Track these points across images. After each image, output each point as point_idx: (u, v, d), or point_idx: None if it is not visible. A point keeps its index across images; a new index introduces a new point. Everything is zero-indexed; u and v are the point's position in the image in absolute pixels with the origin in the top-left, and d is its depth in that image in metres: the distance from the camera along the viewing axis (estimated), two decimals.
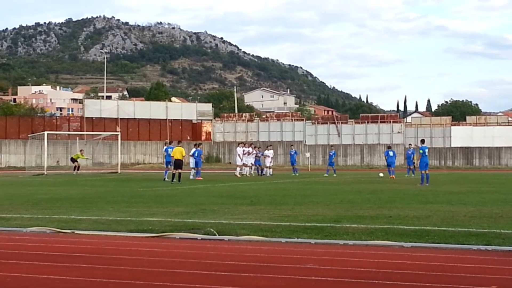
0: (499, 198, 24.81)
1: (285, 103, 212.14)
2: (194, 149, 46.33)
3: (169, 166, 43.66)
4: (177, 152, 39.95)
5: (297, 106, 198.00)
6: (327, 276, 9.44)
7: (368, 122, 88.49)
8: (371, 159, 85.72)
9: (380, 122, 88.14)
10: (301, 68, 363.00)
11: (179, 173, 39.30)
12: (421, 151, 37.30)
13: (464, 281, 9.03)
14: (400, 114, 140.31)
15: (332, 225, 15.50)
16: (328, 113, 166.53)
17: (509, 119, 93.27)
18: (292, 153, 56.78)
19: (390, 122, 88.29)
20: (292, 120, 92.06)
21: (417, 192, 29.07)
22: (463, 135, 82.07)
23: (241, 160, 52.09)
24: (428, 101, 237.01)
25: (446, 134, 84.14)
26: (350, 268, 10.18)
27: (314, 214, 18.40)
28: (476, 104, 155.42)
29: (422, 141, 40.15)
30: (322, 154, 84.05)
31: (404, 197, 25.47)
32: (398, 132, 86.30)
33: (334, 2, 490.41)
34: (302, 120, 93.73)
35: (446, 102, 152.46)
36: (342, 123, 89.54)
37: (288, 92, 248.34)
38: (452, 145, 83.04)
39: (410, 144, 52.04)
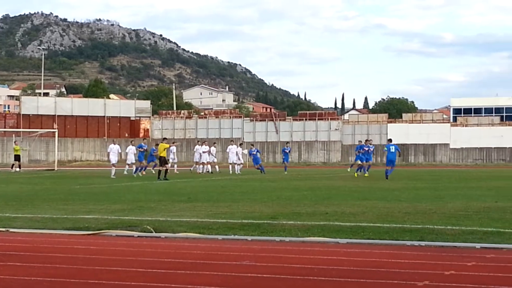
0: (433, 194, 25.18)
1: (223, 100, 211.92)
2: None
3: (143, 162, 45.60)
4: (161, 148, 40.41)
5: (236, 103, 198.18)
6: (264, 272, 9.50)
7: (306, 119, 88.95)
8: (308, 156, 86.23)
9: (318, 119, 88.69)
10: (240, 65, 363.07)
11: (166, 170, 39.82)
12: (385, 149, 40.16)
13: (398, 277, 9.17)
14: (337, 112, 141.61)
15: (269, 222, 15.58)
16: (266, 110, 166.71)
17: (444, 116, 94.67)
18: (254, 152, 53.71)
19: (328, 119, 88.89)
20: (230, 117, 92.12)
21: (354, 188, 29.35)
22: (399, 132, 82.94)
23: (200, 158, 51.98)
24: (366, 98, 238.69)
25: (383, 131, 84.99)
26: (286, 264, 10.25)
27: (251, 211, 18.46)
28: (412, 102, 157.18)
29: (389, 140, 42.14)
30: (265, 151, 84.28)
31: (340, 194, 25.70)
32: (336, 129, 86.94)
33: (274, 0, 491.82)
34: (241, 117, 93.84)
35: (383, 99, 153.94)
36: (280, 120, 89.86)
37: (227, 89, 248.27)
38: (139, 143, 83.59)
39: (360, 141, 51.99)
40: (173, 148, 51.72)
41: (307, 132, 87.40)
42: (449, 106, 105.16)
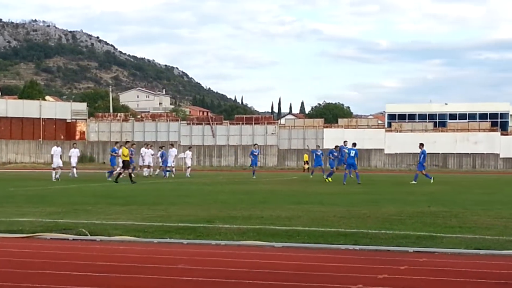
0: (367, 198, 25.46)
1: (160, 104, 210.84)
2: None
3: (114, 166, 44.97)
4: (125, 152, 40.55)
5: (173, 106, 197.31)
6: (199, 276, 9.52)
7: (242, 123, 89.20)
8: (245, 160, 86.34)
9: (255, 123, 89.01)
10: (177, 68, 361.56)
11: (130, 173, 39.71)
12: (346, 152, 41.56)
13: (332, 280, 9.26)
14: (274, 116, 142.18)
15: (205, 225, 15.59)
16: (203, 114, 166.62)
17: (379, 122, 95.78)
18: (256, 153, 53.72)
19: (264, 123, 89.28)
20: (167, 120, 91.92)
21: (289, 193, 29.51)
22: (335, 137, 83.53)
23: (143, 161, 51.57)
24: (302, 103, 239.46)
25: (319, 136, 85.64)
26: (221, 268, 10.28)
27: (187, 214, 18.44)
28: (348, 107, 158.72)
29: (353, 144, 42.23)
30: (197, 155, 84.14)
31: (276, 198, 25.81)
32: (272, 133, 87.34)
33: (212, 4, 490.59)
34: (177, 120, 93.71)
35: (319, 104, 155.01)
36: (217, 124, 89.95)
37: (164, 92, 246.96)
38: (324, 147, 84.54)
39: (318, 146, 51.86)
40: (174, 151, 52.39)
41: (244, 136, 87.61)
42: (384, 111, 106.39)
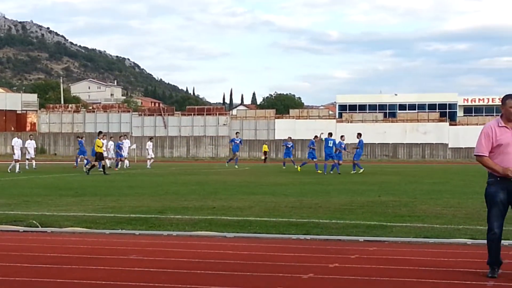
0: (319, 189, 25.60)
1: (112, 95, 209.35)
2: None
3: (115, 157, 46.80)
4: (99, 144, 40.58)
5: (124, 97, 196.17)
6: (150, 267, 9.53)
7: (194, 114, 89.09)
8: (197, 151, 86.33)
9: (206, 114, 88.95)
10: (129, 59, 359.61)
11: (92, 165, 40.18)
12: (323, 140, 41.85)
13: (284, 270, 9.32)
14: (226, 107, 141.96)
15: (157, 216, 15.59)
16: (155, 105, 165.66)
17: (330, 112, 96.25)
18: (238, 141, 52.37)
19: (216, 114, 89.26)
20: (118, 111, 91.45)
21: (241, 183, 29.56)
22: (286, 128, 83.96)
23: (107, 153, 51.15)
24: (254, 94, 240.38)
25: (270, 127, 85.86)
26: (173, 258, 10.31)
27: (139, 205, 18.40)
28: (299, 98, 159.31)
29: (329, 134, 42.29)
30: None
31: (228, 188, 25.83)
32: (224, 124, 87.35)
33: None
34: (129, 111, 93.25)
35: (271, 95, 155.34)
36: (168, 115, 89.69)
37: (115, 83, 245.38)
38: (276, 138, 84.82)
39: (330, 133, 49.71)
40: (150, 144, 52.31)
41: (196, 127, 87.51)
42: (335, 102, 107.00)
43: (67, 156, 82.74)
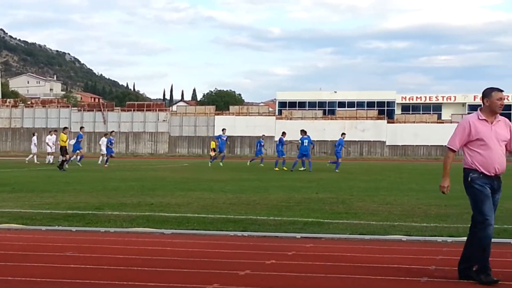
0: (257, 185, 25.70)
1: (51, 90, 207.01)
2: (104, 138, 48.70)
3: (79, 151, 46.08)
4: (63, 138, 40.50)
5: (64, 92, 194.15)
6: (86, 263, 9.48)
7: (134, 110, 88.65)
8: (136, 147, 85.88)
9: (146, 110, 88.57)
10: (69, 54, 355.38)
11: (63, 160, 39.33)
12: (299, 141, 41.21)
13: (221, 266, 9.35)
14: (166, 103, 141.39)
15: (94, 212, 15.51)
16: (95, 100, 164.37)
17: (270, 109, 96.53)
18: (224, 138, 51.25)
19: (156, 110, 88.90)
20: (58, 106, 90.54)
21: (180, 179, 29.52)
22: (226, 124, 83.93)
23: (51, 148, 50.36)
24: (194, 90, 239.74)
25: (210, 123, 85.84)
26: (110, 255, 10.27)
27: (76, 201, 18.27)
28: (240, 94, 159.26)
29: (304, 132, 41.91)
30: (87, 142, 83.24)
31: (166, 185, 25.78)
32: (164, 120, 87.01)
33: None
34: (68, 107, 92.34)
35: (211, 91, 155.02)
36: (108, 110, 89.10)
37: (55, 78, 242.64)
38: (216, 134, 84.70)
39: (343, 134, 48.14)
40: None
41: (135, 123, 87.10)
42: (275, 99, 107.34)
43: (4, 152, 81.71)
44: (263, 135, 51.89)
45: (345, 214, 15.45)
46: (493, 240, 11.68)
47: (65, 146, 40.06)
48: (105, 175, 32.95)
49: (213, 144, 76.41)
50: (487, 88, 8.78)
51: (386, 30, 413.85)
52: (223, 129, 53.05)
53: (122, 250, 10.78)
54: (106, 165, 44.78)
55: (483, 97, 8.79)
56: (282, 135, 45.37)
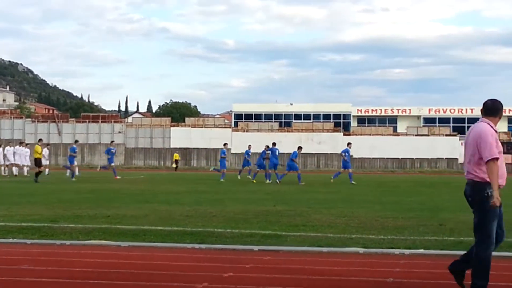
0: (214, 198, 25.62)
1: (4, 100, 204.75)
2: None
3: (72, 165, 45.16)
4: (38, 150, 40.67)
5: (17, 103, 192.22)
6: (42, 276, 9.36)
7: (89, 122, 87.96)
8: (91, 159, 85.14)
9: (102, 121, 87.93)
10: (22, 65, 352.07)
11: (39, 171, 39.33)
12: (268, 152, 42.54)
13: (178, 279, 9.30)
14: (121, 114, 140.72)
15: (49, 225, 15.33)
16: (49, 111, 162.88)
17: (226, 121, 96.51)
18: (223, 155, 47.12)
19: (111, 122, 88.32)
20: (11, 117, 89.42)
21: (137, 192, 29.35)
22: (182, 136, 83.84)
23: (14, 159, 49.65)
24: (149, 102, 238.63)
25: (166, 135, 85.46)
26: (66, 268, 10.15)
27: (30, 214, 18.05)
28: (195, 106, 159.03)
29: (273, 144, 42.78)
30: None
31: (123, 197, 25.62)
32: (119, 132, 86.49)
33: (58, 0, 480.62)
34: (22, 118, 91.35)
35: (167, 103, 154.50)
36: (63, 122, 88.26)
37: (8, 89, 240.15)
38: (172, 146, 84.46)
39: (349, 143, 46.58)
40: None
41: (90, 135, 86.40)
42: (231, 111, 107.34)
43: None
44: (249, 145, 50.31)
45: (302, 227, 15.45)
46: (448, 252, 11.84)
47: (40, 158, 39.99)
48: (60, 187, 32.64)
49: (176, 156, 76.44)
50: (499, 103, 8.51)
51: (341, 42, 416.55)
52: (249, 145, 51.81)
53: (78, 263, 10.65)
54: (117, 177, 44.02)
55: (497, 111, 8.50)
56: (265, 148, 45.32)
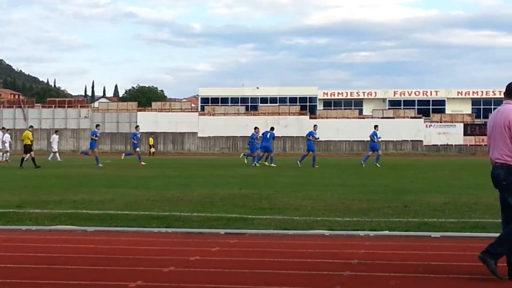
0: (181, 182, 25.62)
1: None
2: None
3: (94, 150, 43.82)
4: (27, 135, 40.47)
5: None
6: (8, 262, 9.34)
7: (55, 107, 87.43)
8: (58, 144, 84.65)
9: (68, 106, 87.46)
10: None
11: (33, 157, 39.26)
12: (261, 135, 43.11)
13: (144, 263, 9.31)
14: (87, 99, 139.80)
15: (15, 210, 15.27)
16: (14, 97, 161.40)
17: (193, 105, 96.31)
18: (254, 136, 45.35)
19: (77, 107, 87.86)
20: None
21: (103, 177, 29.26)
22: (148, 120, 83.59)
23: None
24: (116, 86, 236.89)
25: (132, 119, 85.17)
26: (32, 253, 10.14)
27: None
28: (162, 91, 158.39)
29: (272, 128, 43.63)
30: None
31: (90, 182, 25.54)
32: (85, 117, 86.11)
33: None
34: None
35: (133, 88, 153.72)
36: (28, 107, 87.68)
37: None
38: (93, 130, 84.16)
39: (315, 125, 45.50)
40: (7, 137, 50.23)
41: (57, 120, 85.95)
42: (197, 95, 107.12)
43: None
44: (256, 128, 47.20)
45: (269, 210, 15.54)
46: (412, 233, 12.00)
47: (30, 144, 39.76)
48: (26, 173, 32.44)
49: (151, 141, 76.10)
50: None
51: (307, 26, 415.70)
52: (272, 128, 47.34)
53: (44, 248, 10.66)
54: (142, 163, 43.04)
55: None
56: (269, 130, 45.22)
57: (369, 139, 42.00)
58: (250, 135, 43.14)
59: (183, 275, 8.60)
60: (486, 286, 8.07)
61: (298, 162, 40.48)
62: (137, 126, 49.39)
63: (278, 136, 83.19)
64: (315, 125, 43.65)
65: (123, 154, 49.79)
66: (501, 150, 8.22)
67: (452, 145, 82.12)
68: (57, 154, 52.32)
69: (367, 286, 8.00)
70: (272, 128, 43.46)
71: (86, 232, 12.41)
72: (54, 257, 9.80)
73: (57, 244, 11.06)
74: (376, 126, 42.73)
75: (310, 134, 41.81)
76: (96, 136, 44.20)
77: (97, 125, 46.51)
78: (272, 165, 40.61)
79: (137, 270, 8.87)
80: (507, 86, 8.42)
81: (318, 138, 42.64)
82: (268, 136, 42.05)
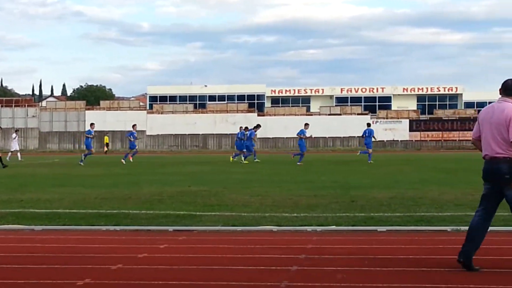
0: (130, 180, 25.53)
1: None
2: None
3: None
4: None
5: None
6: None
7: (2, 106, 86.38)
8: (5, 143, 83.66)
9: (15, 106, 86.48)
10: None
11: None
12: (247, 134, 44.25)
13: (92, 261, 9.32)
14: (35, 98, 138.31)
15: None
16: None
17: (141, 103, 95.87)
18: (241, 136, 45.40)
19: (25, 106, 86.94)
20: None
21: (51, 175, 29.04)
22: (96, 119, 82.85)
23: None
24: (64, 85, 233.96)
25: (81, 118, 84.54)
26: None
27: None
28: (110, 89, 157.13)
29: (245, 129, 45.35)
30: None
31: (37, 181, 25.34)
32: (33, 116, 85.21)
33: None
34: None
35: (82, 86, 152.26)
36: None
37: None
38: (87, 129, 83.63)
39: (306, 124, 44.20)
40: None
41: (3, 119, 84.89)
42: (145, 93, 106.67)
43: None
44: (246, 127, 46.33)
45: (217, 206, 15.61)
46: (359, 228, 12.17)
47: None
48: None
49: (106, 139, 75.63)
50: None
51: (255, 24, 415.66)
52: (258, 125, 49.00)
53: None
54: (131, 159, 43.55)
55: None
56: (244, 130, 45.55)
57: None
58: (236, 133, 44.76)
59: (131, 273, 8.62)
60: (431, 278, 8.23)
61: (298, 163, 39.60)
62: (134, 125, 48.74)
63: (227, 134, 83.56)
64: (306, 124, 41.63)
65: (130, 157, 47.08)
66: (503, 145, 8.30)
67: (398, 140, 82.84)
68: (19, 153, 51.87)
69: (315, 281, 8.11)
70: (258, 126, 46.68)
71: (33, 231, 12.36)
72: (1, 256, 9.76)
73: (4, 243, 11.00)
74: (369, 124, 43.62)
75: (301, 132, 41.06)
76: (91, 134, 43.86)
77: (92, 124, 45.94)
78: (245, 162, 41.12)
79: (85, 268, 8.88)
80: (503, 83, 8.51)
81: (311, 136, 42.20)
82: (249, 135, 43.88)
